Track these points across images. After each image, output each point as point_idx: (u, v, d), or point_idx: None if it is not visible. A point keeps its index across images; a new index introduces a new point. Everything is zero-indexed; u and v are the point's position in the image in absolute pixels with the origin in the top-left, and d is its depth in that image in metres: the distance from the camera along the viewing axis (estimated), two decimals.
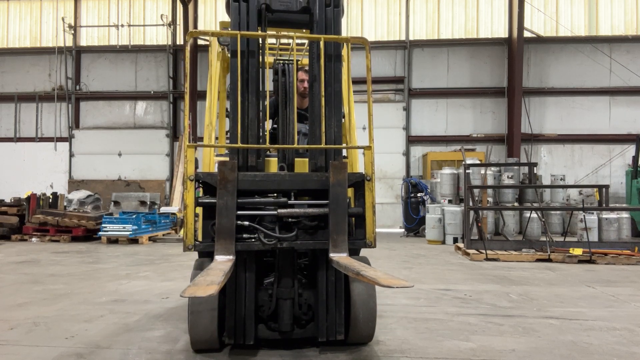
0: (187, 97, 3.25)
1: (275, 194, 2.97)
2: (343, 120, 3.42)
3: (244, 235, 2.82)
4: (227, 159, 3.06)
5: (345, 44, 3.21)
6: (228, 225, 2.75)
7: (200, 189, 2.94)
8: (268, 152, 3.31)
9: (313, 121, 3.09)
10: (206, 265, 2.98)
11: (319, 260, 3.00)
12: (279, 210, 2.83)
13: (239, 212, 2.80)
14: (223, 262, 2.65)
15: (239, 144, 2.88)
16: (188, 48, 3.03)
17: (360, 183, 2.97)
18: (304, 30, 3.37)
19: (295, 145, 3.13)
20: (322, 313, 2.99)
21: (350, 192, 3.03)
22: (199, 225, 3.16)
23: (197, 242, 2.83)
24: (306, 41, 3.68)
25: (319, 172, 2.98)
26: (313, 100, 3.11)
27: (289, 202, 2.90)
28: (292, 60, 3.48)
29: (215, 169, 3.54)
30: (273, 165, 3.34)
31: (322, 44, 2.93)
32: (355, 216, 2.99)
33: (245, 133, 2.95)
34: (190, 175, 2.78)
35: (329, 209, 2.84)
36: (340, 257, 2.77)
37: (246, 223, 2.82)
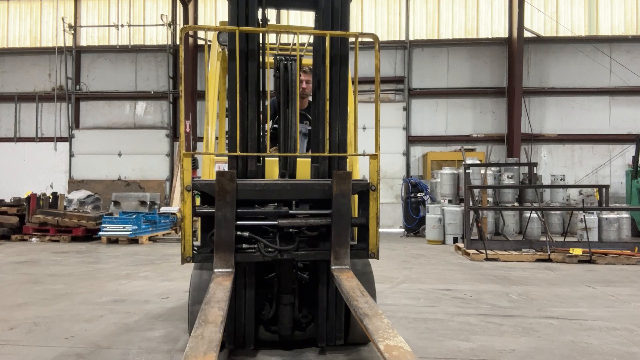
0: (182, 100, 2.83)
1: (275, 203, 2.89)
2: None
3: (244, 246, 2.74)
4: (227, 159, 3.01)
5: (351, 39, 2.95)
6: (227, 237, 2.65)
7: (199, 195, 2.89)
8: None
9: (316, 123, 2.98)
10: (206, 267, 2.97)
11: (319, 267, 2.96)
12: (280, 221, 2.74)
13: (238, 222, 2.71)
14: (221, 280, 2.56)
15: (238, 152, 2.78)
16: (183, 46, 2.80)
17: (364, 192, 2.85)
18: (306, 28, 3.31)
19: (297, 154, 3.05)
20: (322, 319, 2.97)
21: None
22: (197, 225, 3.13)
23: (195, 253, 2.74)
24: (307, 38, 3.61)
25: (322, 181, 2.85)
26: (317, 100, 2.99)
27: (290, 211, 2.80)
28: (295, 56, 3.28)
29: (215, 169, 3.50)
30: (274, 166, 3.31)
31: (327, 40, 2.79)
32: (358, 226, 2.93)
33: (244, 135, 2.84)
34: (187, 185, 2.65)
35: (332, 220, 2.75)
36: (342, 271, 2.71)
37: (246, 234, 2.73)
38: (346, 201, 2.75)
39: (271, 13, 12.72)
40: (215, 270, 2.64)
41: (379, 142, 2.85)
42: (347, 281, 2.60)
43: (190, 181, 2.68)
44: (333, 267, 2.74)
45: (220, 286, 2.49)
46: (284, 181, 2.90)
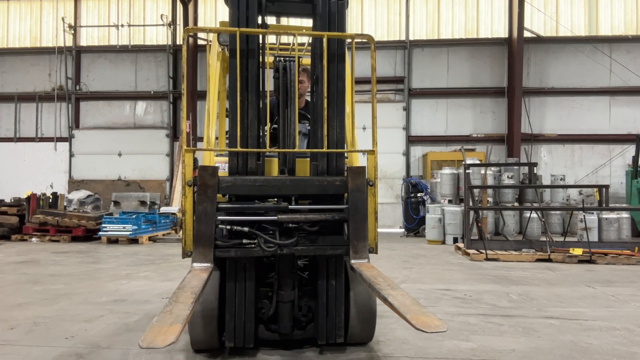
0: (184, 98, 2.94)
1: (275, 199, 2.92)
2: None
3: (244, 241, 2.76)
4: (227, 159, 3.03)
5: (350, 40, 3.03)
6: (207, 232, 2.68)
7: None
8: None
9: (315, 122, 3.02)
10: None
11: (319, 263, 2.98)
12: (280, 216, 2.77)
13: (238, 217, 2.75)
14: (198, 272, 2.57)
15: (238, 148, 2.82)
16: (185, 47, 2.85)
17: None
18: (305, 30, 3.33)
19: (297, 149, 3.08)
20: (322, 316, 2.98)
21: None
22: None
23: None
24: (307, 39, 3.63)
25: (321, 177, 2.91)
26: (315, 99, 3.04)
27: (290, 207, 2.84)
28: (294, 57, 3.36)
29: None
30: (274, 165, 3.32)
31: (325, 41, 2.85)
32: None
33: (244, 134, 2.89)
34: (188, 180, 2.72)
35: (349, 214, 2.79)
36: (361, 264, 2.73)
37: (246, 229, 2.75)
38: (362, 195, 2.80)
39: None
40: (194, 264, 2.65)
41: (375, 138, 2.93)
42: (368, 271, 2.64)
43: (191, 176, 2.74)
44: (353, 261, 2.76)
45: (196, 277, 2.52)
46: (283, 177, 2.96)
